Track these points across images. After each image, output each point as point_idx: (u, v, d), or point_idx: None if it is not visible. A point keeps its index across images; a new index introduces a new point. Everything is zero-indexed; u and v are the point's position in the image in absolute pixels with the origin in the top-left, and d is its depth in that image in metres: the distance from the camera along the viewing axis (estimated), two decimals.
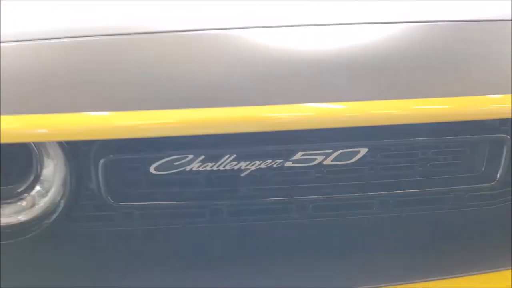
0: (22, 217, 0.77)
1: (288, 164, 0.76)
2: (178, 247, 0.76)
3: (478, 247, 0.80)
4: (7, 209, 0.77)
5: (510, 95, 0.62)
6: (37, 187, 0.77)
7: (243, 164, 0.76)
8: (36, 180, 0.77)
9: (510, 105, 0.61)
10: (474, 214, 0.82)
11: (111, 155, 0.71)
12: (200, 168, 0.75)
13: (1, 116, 0.61)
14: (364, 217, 0.79)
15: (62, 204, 0.75)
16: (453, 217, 0.82)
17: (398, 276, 0.71)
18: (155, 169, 0.75)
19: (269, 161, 0.76)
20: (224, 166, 0.75)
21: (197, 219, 0.78)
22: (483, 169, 0.79)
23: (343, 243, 0.78)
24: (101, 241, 0.76)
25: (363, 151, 0.76)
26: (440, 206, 0.81)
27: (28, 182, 0.77)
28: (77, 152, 0.73)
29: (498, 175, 0.77)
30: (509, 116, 0.62)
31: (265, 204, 0.78)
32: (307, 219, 0.79)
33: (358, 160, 0.76)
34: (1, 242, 0.75)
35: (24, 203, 0.77)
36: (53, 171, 0.76)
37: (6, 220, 0.77)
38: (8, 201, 0.77)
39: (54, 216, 0.75)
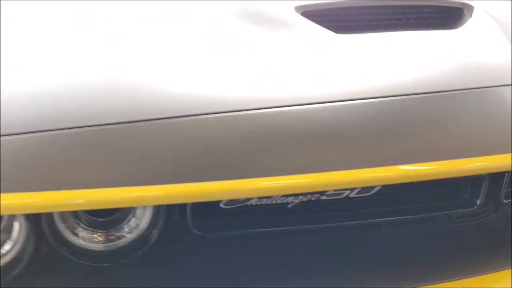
0: (123, 242, 1.02)
1: (324, 197, 1.02)
2: (245, 264, 1.02)
3: (464, 251, 1.07)
4: (106, 237, 1.02)
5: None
6: (133, 219, 1.02)
7: (289, 199, 1.02)
8: (132, 214, 1.02)
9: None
10: (460, 228, 1.09)
11: None
12: (258, 203, 1.01)
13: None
14: (380, 234, 1.06)
15: (155, 234, 0.99)
16: (444, 231, 1.09)
17: (407, 280, 0.98)
18: (224, 204, 1.01)
19: (309, 195, 1.02)
20: (276, 201, 1.01)
21: (256, 241, 1.04)
22: (467, 197, 1.06)
23: (365, 254, 1.05)
24: (186, 262, 1.01)
25: (378, 186, 1.02)
26: (436, 223, 1.07)
27: (127, 215, 1.02)
28: None
29: (478, 202, 1.05)
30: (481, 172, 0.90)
31: (307, 228, 1.04)
32: (338, 237, 1.05)
33: (375, 192, 1.02)
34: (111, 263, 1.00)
35: (124, 231, 1.02)
36: (143, 209, 1.01)
37: (111, 244, 1.02)
38: (111, 229, 1.02)
39: (150, 242, 1.00)
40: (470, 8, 1.28)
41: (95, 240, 0.98)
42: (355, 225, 1.05)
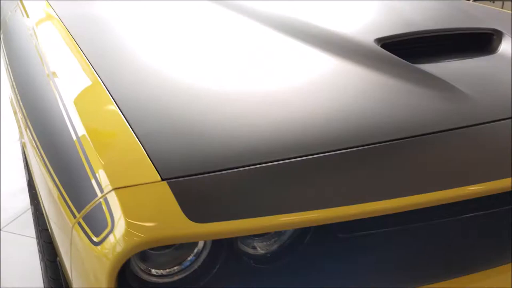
0: (279, 244, 1.17)
1: None
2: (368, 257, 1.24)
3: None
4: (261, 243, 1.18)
5: None
6: None
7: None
8: None
9: None
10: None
11: None
12: None
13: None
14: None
15: (306, 237, 1.17)
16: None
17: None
18: None
19: None
20: None
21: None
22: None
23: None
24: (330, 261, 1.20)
25: None
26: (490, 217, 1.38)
27: None
28: None
29: None
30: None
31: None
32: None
33: None
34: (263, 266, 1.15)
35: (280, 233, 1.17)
36: None
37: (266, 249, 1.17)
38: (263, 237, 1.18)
39: (304, 243, 1.17)
40: (499, 32, 1.60)
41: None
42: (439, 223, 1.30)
